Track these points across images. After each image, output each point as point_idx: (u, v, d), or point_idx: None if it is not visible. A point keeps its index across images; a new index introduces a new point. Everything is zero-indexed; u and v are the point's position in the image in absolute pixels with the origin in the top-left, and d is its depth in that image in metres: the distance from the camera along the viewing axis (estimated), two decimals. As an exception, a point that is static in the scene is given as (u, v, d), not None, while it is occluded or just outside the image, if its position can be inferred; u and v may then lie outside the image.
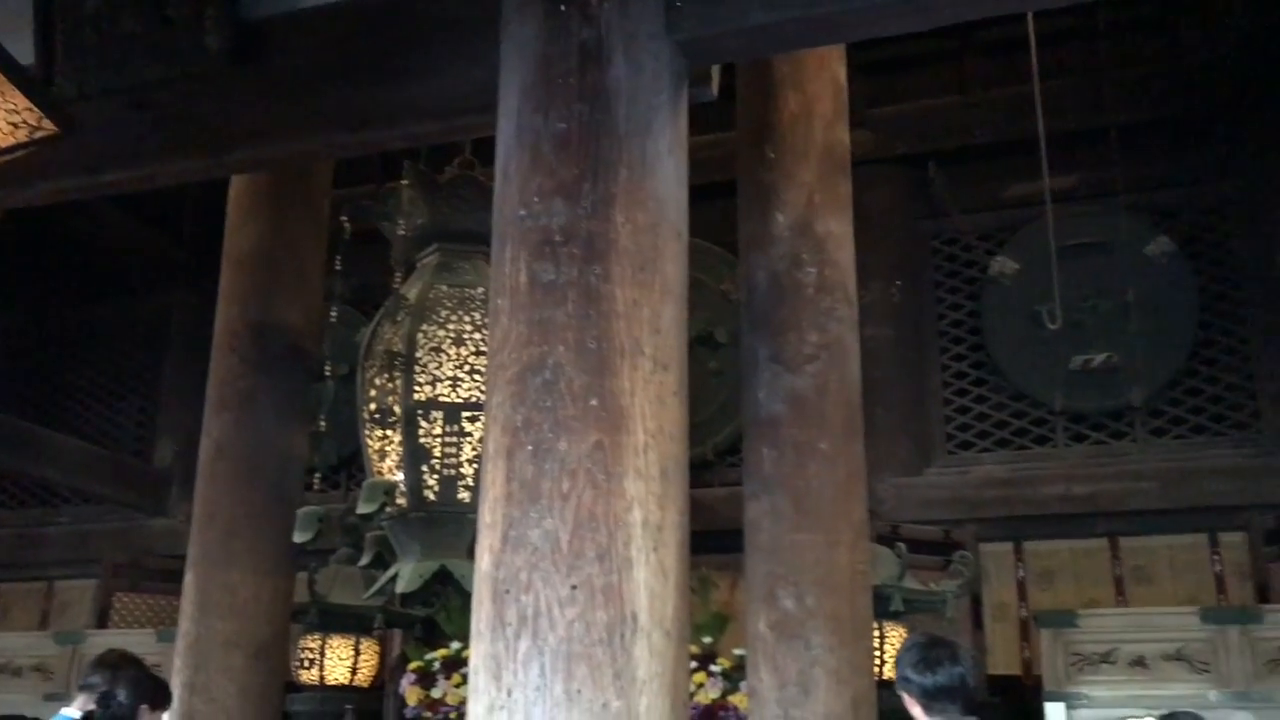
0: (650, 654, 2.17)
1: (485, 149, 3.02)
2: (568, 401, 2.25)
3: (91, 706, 3.45)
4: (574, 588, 2.16)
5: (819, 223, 4.65)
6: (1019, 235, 7.60)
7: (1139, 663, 5.48)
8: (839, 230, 4.72)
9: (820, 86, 4.75)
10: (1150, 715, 4.82)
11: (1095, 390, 7.29)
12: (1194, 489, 6.87)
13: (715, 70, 2.85)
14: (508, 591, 2.20)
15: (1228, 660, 5.42)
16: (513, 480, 2.25)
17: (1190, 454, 7.08)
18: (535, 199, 2.39)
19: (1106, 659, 5.50)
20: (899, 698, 2.71)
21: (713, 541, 6.45)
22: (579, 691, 2.10)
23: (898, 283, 7.78)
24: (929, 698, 2.52)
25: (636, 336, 2.31)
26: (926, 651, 2.55)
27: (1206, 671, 5.43)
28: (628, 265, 2.33)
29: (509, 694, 2.14)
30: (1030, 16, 5.44)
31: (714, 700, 5.58)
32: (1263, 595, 6.64)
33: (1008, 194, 7.54)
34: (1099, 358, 7.20)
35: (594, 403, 2.24)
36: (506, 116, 2.54)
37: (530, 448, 2.24)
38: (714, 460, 7.53)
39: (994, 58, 7.59)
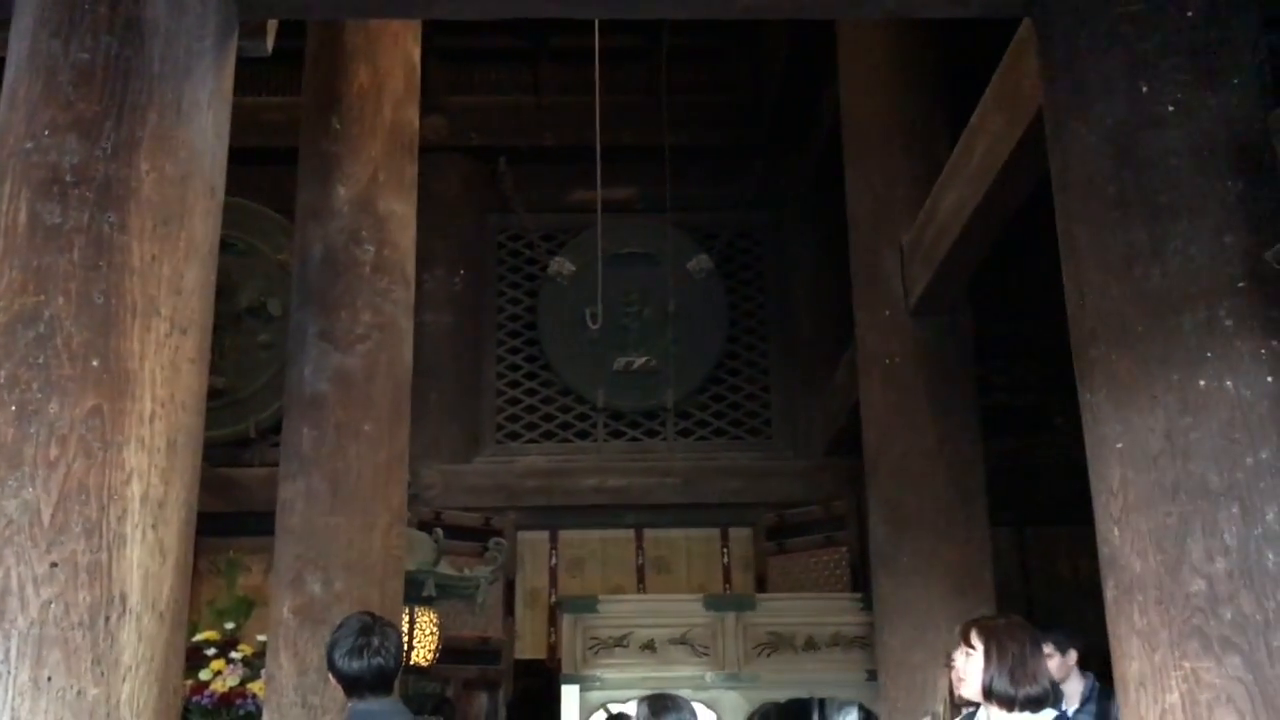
0: (139, 638, 2.02)
1: None
2: (64, 360, 2.03)
3: None
4: (54, 565, 1.96)
5: (382, 201, 4.58)
6: (578, 239, 7.93)
7: (649, 646, 5.88)
8: (402, 211, 4.67)
9: (393, 63, 4.67)
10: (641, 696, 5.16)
11: (634, 391, 7.77)
12: (712, 487, 7.52)
13: (271, 25, 2.71)
14: (-28, 568, 1.95)
15: (724, 644, 5.95)
16: (-11, 444, 2.00)
17: (711, 454, 7.75)
18: (46, 132, 2.14)
19: (620, 643, 5.85)
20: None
21: (248, 523, 6.20)
22: (49, 679, 1.91)
23: (461, 272, 7.85)
24: (348, 685, 2.59)
25: (153, 295, 2.13)
26: (355, 639, 2.58)
27: (707, 655, 5.94)
28: (149, 217, 2.15)
29: (-39, 682, 1.90)
30: (597, 32, 5.68)
31: (231, 687, 5.32)
32: (761, 585, 7.40)
33: (570, 198, 7.84)
34: (639, 360, 7.70)
35: (95, 363, 2.04)
36: (19, 36, 2.26)
37: (14, 408, 2.01)
38: (256, 438, 7.20)
39: (566, 65, 7.88)
